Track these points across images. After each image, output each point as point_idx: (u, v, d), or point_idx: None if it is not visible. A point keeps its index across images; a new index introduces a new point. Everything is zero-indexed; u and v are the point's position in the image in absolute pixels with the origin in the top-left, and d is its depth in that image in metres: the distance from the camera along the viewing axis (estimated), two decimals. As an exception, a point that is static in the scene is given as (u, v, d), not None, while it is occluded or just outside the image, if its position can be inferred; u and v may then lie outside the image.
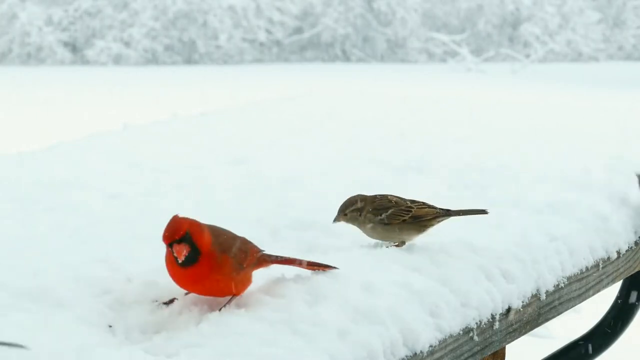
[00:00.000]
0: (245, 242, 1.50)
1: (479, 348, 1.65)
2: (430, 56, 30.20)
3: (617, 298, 2.60)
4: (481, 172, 2.39)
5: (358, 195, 1.79)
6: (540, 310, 1.83)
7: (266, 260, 1.52)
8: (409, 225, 1.76)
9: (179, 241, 1.41)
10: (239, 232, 1.58)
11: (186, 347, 1.33)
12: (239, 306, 1.45)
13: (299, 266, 1.55)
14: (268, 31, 28.96)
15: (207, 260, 1.42)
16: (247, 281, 1.48)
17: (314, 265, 1.55)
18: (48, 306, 1.43)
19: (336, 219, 1.78)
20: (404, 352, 1.46)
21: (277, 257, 1.54)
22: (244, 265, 1.46)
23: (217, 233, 1.47)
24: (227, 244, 1.46)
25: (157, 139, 3.06)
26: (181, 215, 1.45)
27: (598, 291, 2.07)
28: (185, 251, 1.41)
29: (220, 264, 1.43)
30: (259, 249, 1.52)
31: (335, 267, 1.56)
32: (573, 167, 2.47)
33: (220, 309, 1.43)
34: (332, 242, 1.80)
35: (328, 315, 1.43)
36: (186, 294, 1.49)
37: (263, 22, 28.70)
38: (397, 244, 1.76)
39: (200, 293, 1.46)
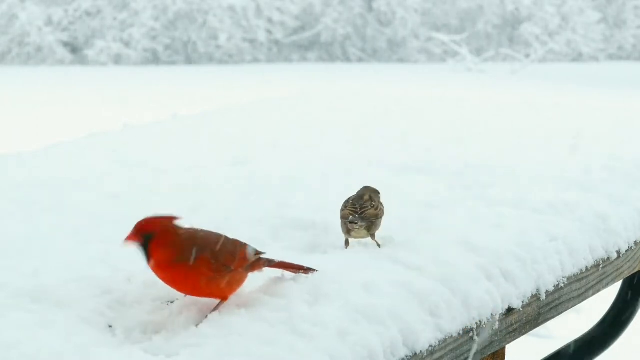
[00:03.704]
0: (235, 244, 1.49)
1: (479, 348, 1.65)
2: (430, 56, 30.20)
3: (617, 298, 2.60)
4: (481, 172, 2.39)
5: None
6: (540, 310, 1.83)
7: (261, 263, 1.52)
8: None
9: (138, 234, 1.44)
10: (239, 232, 1.58)
11: (186, 347, 1.33)
12: (239, 306, 1.45)
13: (287, 269, 1.55)
14: (268, 31, 28.96)
15: (176, 269, 1.43)
16: (236, 283, 1.47)
17: (298, 269, 1.56)
18: (48, 306, 1.43)
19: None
20: (404, 352, 1.46)
21: (271, 261, 1.53)
22: (232, 267, 1.46)
23: (193, 236, 1.46)
24: (202, 246, 1.45)
25: (157, 139, 3.06)
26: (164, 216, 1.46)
27: (598, 291, 2.07)
28: (133, 238, 1.44)
29: (197, 267, 1.43)
30: (255, 251, 1.51)
31: (315, 270, 1.57)
32: (573, 167, 2.47)
33: (208, 314, 1.43)
34: (332, 242, 1.80)
35: (328, 315, 1.43)
36: (186, 295, 1.49)
37: (263, 22, 28.71)
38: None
39: (189, 293, 1.46)
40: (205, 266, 1.44)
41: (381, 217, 1.79)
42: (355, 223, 1.75)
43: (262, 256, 1.53)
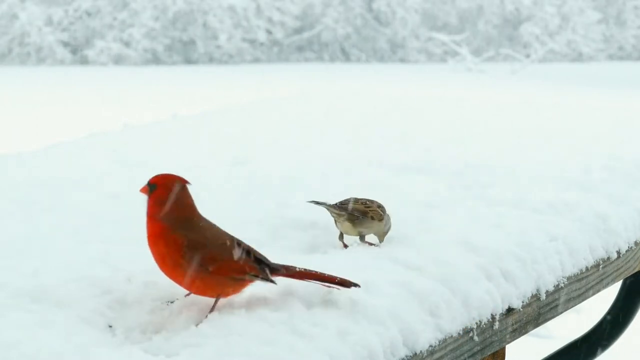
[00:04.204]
0: (227, 250, 1.45)
1: (479, 348, 1.65)
2: (430, 56, 30.21)
3: (617, 298, 2.60)
4: (481, 172, 2.39)
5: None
6: (540, 310, 1.83)
7: (251, 280, 1.47)
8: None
9: (150, 185, 1.49)
10: (239, 232, 1.58)
11: (186, 347, 1.33)
12: (239, 306, 1.45)
13: (315, 280, 1.48)
14: (268, 31, 28.97)
15: (154, 225, 1.45)
16: (217, 287, 1.44)
17: (330, 281, 1.47)
18: (48, 306, 1.43)
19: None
20: (404, 352, 1.46)
21: (287, 268, 1.48)
22: (210, 269, 1.43)
23: (190, 217, 1.47)
24: (192, 231, 1.44)
25: (157, 139, 3.06)
26: (185, 182, 1.49)
27: (598, 291, 2.07)
28: (143, 190, 1.50)
29: (167, 240, 1.43)
30: (252, 266, 1.46)
31: (357, 285, 1.47)
32: (573, 167, 2.47)
33: (208, 314, 1.43)
34: (332, 242, 1.81)
35: (328, 315, 1.43)
36: (186, 295, 1.49)
37: (263, 22, 28.71)
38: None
39: (161, 267, 1.45)
40: (175, 247, 1.42)
41: (372, 219, 1.78)
42: (334, 211, 1.76)
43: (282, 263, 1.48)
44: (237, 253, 1.46)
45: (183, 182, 1.49)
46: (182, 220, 1.46)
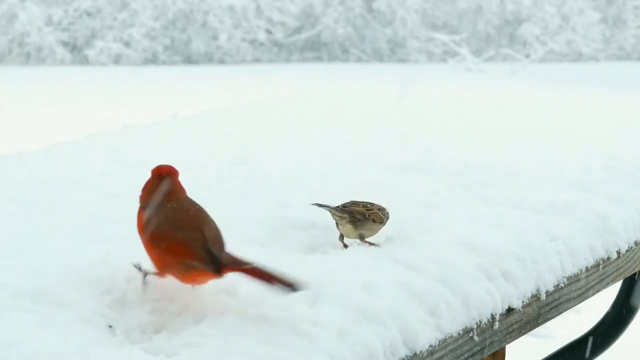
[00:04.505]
0: (177, 231, 1.46)
1: (478, 348, 1.65)
2: (430, 56, 30.21)
3: (617, 298, 2.60)
4: (481, 172, 2.39)
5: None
6: (540, 310, 1.83)
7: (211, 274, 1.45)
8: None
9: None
10: (239, 232, 1.58)
11: (186, 347, 1.33)
12: (239, 306, 1.45)
13: (260, 280, 1.43)
14: (268, 31, 28.97)
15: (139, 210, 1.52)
16: (167, 267, 1.46)
17: (275, 280, 1.42)
18: (48, 306, 1.43)
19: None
20: (404, 352, 1.46)
21: (237, 262, 1.44)
22: (162, 247, 1.46)
23: (169, 205, 1.50)
24: (157, 210, 1.49)
25: (157, 139, 3.06)
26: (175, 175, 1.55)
27: (598, 291, 2.07)
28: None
29: (138, 219, 1.50)
30: (194, 253, 1.44)
31: (299, 289, 1.42)
32: (573, 167, 2.47)
33: (145, 275, 1.48)
34: (332, 242, 1.81)
35: (328, 315, 1.43)
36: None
37: (263, 22, 28.71)
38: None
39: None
40: (139, 225, 1.49)
41: (373, 221, 1.78)
42: (337, 214, 1.76)
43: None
44: (187, 236, 1.46)
45: (166, 173, 1.54)
46: (172, 210, 1.50)
